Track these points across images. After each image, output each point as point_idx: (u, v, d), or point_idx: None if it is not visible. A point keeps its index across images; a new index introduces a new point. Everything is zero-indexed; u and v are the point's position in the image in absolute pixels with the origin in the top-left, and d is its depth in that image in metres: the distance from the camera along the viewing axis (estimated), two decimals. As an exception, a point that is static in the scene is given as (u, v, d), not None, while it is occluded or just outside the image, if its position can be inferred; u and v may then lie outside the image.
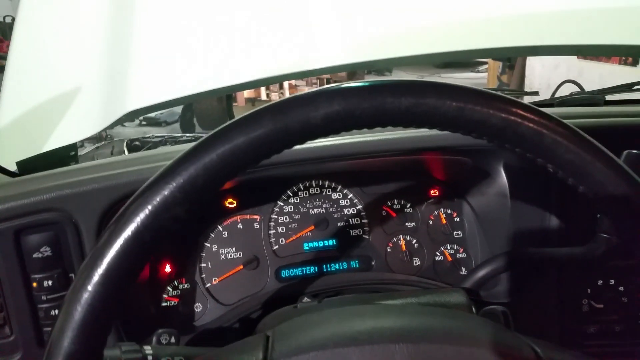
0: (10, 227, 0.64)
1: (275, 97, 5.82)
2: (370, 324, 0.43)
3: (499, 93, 0.41)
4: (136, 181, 0.68)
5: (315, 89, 0.40)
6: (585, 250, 0.67)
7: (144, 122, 5.70)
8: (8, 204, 0.64)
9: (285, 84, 5.92)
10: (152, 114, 5.53)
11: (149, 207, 0.37)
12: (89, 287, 0.36)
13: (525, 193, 0.79)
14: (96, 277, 0.36)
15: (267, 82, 1.15)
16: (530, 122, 0.40)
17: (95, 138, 3.10)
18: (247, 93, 6.35)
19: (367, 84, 0.40)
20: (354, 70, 5.48)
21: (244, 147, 0.39)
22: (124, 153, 1.29)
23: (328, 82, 6.24)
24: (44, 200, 0.65)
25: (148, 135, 1.36)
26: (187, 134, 1.39)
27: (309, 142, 0.75)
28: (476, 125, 0.40)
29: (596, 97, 1.15)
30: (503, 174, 0.79)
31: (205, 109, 5.00)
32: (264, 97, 5.96)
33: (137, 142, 1.34)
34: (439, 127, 0.42)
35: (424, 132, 0.76)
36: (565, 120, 0.41)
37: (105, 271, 0.37)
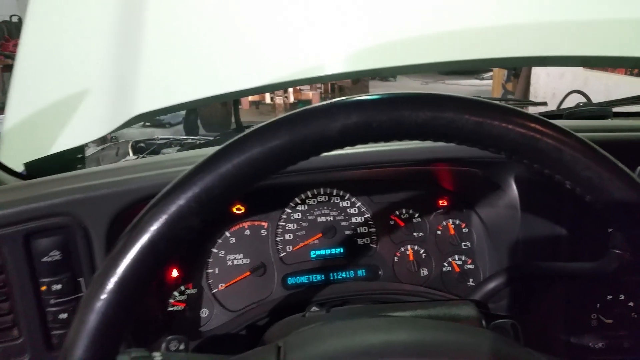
0: (21, 230, 0.64)
1: (279, 100, 5.81)
2: (383, 337, 0.43)
3: (517, 108, 0.41)
4: (147, 187, 0.67)
5: (332, 100, 0.40)
6: (597, 266, 0.67)
7: (147, 124, 5.70)
8: (19, 208, 0.64)
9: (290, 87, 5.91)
10: (157, 116, 5.56)
11: (165, 216, 0.37)
12: (103, 296, 0.36)
13: (536, 206, 0.78)
14: (110, 285, 0.36)
15: (273, 88, 1.15)
16: (549, 138, 0.40)
17: (100, 140, 3.10)
18: (252, 97, 6.34)
19: (385, 96, 0.40)
20: (358, 77, 5.46)
21: (260, 158, 0.39)
22: (129, 155, 1.29)
23: (332, 87, 6.24)
24: (54, 204, 0.65)
25: (153, 138, 1.36)
26: (192, 137, 1.39)
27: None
28: (494, 140, 0.40)
29: (604, 109, 1.15)
30: (514, 187, 0.79)
31: (209, 111, 5.00)
32: (268, 100, 5.94)
33: (142, 144, 1.35)
34: (456, 142, 0.41)
35: (434, 142, 0.76)
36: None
37: (120, 279, 0.37)
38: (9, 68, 5.31)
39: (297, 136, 0.39)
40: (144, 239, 0.37)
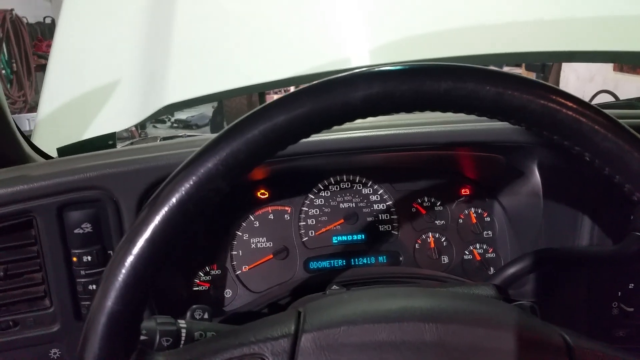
0: (54, 202, 0.66)
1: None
2: (401, 303, 0.44)
3: (538, 80, 0.42)
4: (176, 164, 0.69)
5: (355, 71, 0.41)
6: (617, 249, 0.67)
7: (175, 125, 5.82)
8: (53, 180, 0.67)
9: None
10: (184, 117, 5.69)
11: (194, 178, 0.39)
12: (134, 251, 0.38)
13: (558, 193, 0.78)
14: (141, 242, 0.38)
15: (299, 80, 1.17)
16: (569, 110, 0.40)
17: (129, 137, 3.18)
18: (277, 97, 6.40)
19: (407, 66, 0.41)
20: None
21: (284, 125, 0.40)
22: (157, 149, 1.32)
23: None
24: (87, 178, 0.67)
25: (180, 134, 1.39)
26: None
27: (342, 132, 0.76)
28: (515, 111, 0.41)
29: (633, 104, 1.14)
30: (537, 173, 0.79)
31: (236, 112, 5.08)
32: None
33: (169, 140, 1.38)
34: (476, 113, 0.42)
35: (457, 126, 0.77)
36: None
37: (150, 237, 0.38)
38: (41, 68, 5.45)
39: (320, 105, 0.40)
40: (173, 198, 0.39)
